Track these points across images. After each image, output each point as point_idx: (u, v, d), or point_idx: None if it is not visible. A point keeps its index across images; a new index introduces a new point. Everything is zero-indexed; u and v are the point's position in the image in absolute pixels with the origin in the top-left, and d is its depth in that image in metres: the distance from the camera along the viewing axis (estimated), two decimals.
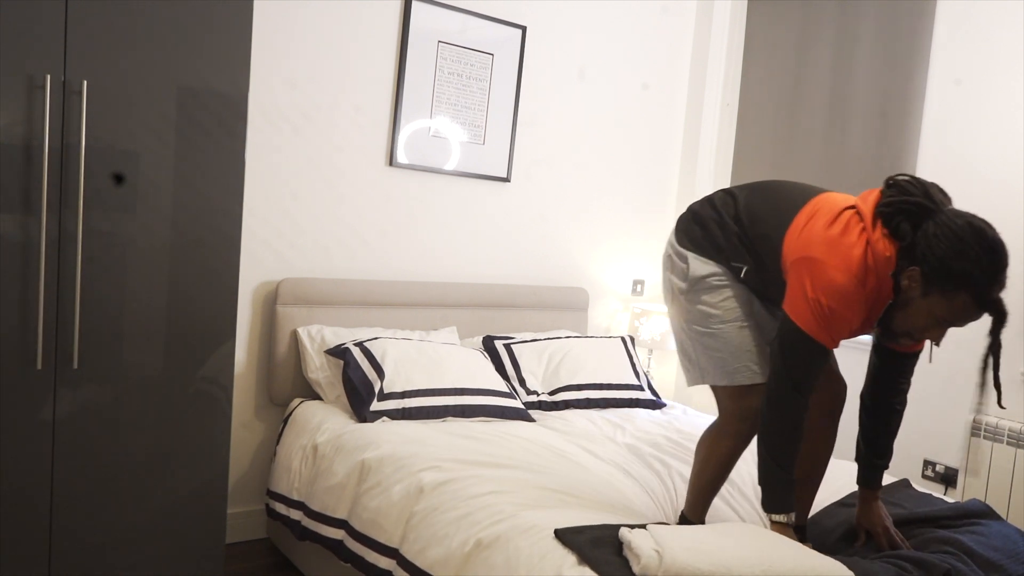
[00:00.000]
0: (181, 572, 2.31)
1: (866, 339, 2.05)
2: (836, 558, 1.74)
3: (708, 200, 2.06)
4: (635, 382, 3.34)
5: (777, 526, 1.85)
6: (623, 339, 3.52)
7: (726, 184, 4.03)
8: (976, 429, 2.91)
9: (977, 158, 3.02)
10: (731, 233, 1.96)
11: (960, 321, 1.69)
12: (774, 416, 1.82)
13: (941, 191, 1.75)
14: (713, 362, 1.99)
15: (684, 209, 4.00)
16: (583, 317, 3.77)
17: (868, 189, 1.84)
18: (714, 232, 1.99)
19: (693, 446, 2.72)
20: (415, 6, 3.19)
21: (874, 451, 2.02)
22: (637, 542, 1.69)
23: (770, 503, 1.85)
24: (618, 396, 3.25)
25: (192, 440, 2.29)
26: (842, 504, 2.20)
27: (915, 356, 1.96)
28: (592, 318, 3.93)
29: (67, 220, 2.05)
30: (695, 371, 2.05)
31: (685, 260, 2.02)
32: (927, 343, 1.91)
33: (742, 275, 1.96)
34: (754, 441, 1.98)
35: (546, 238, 3.74)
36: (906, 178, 1.76)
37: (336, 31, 3.07)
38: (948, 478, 3.03)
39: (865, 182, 3.32)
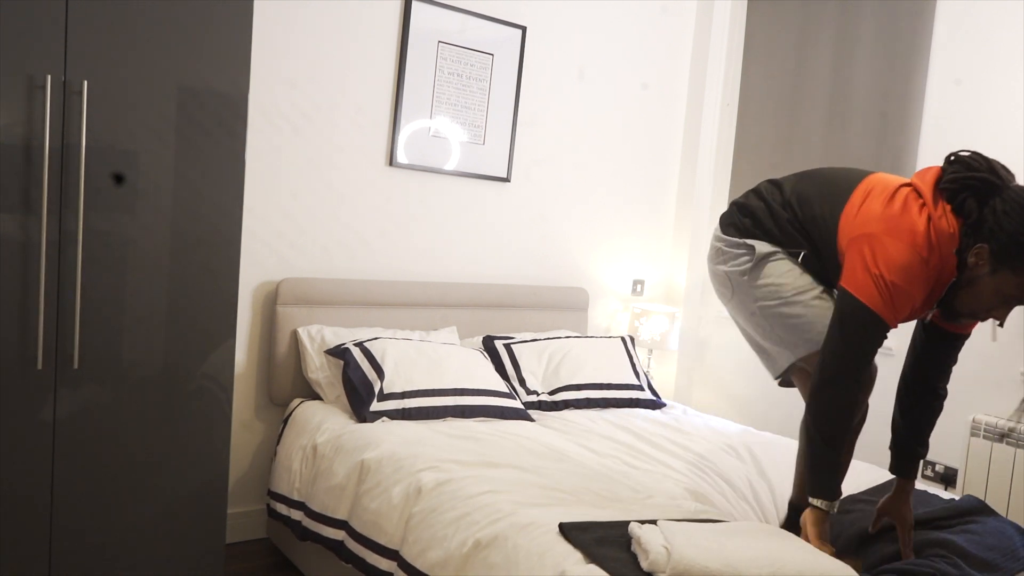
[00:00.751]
0: (181, 572, 2.31)
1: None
2: None
3: (753, 191, 2.03)
4: (635, 382, 3.34)
5: (815, 513, 1.78)
6: (623, 339, 3.52)
7: (726, 184, 4.03)
8: (976, 429, 2.90)
9: None
10: (782, 219, 1.92)
11: None
12: (827, 394, 1.76)
13: (1005, 168, 1.71)
14: (798, 331, 1.90)
15: (679, 206, 4.07)
16: (583, 317, 3.77)
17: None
18: (765, 221, 1.95)
19: (693, 445, 2.72)
20: (415, 6, 3.19)
21: (917, 439, 1.95)
22: (647, 537, 1.69)
23: (816, 487, 1.78)
24: (618, 396, 3.25)
25: (192, 440, 2.29)
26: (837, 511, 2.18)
27: (965, 338, 1.91)
28: (592, 318, 3.93)
29: (67, 220, 2.05)
30: (779, 355, 1.97)
31: (742, 246, 1.97)
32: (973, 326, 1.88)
33: (800, 260, 1.91)
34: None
35: (546, 238, 3.74)
36: (969, 154, 1.71)
37: (336, 31, 3.07)
38: (948, 478, 3.03)
39: None
